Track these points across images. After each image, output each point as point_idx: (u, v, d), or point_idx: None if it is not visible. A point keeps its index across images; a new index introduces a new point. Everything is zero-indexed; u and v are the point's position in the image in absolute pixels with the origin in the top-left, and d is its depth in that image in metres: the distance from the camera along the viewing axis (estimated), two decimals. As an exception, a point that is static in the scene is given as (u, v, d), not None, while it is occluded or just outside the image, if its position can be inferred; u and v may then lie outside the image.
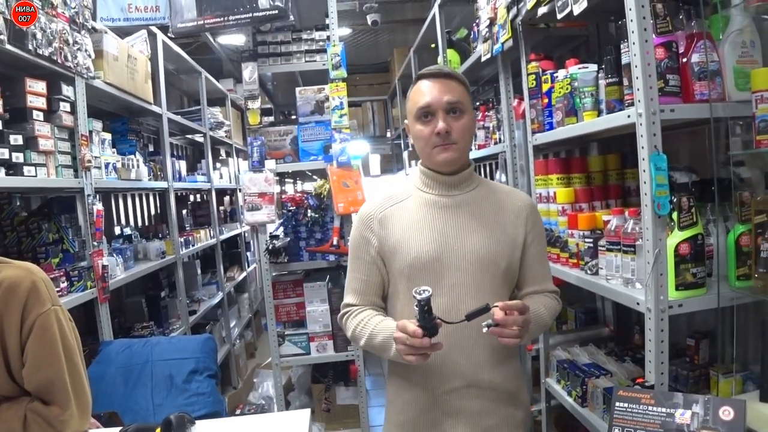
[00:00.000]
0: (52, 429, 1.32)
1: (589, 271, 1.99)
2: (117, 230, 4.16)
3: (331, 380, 3.13)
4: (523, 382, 1.70)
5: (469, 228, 1.55)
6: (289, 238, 2.91)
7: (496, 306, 1.36)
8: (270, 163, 2.95)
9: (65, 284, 2.53)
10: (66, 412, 1.33)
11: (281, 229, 3.01)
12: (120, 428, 1.37)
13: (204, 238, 5.02)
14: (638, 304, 1.63)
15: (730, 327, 1.78)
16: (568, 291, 3.14)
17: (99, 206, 2.85)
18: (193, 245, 4.63)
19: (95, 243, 2.79)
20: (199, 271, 5.12)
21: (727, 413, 1.32)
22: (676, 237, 1.58)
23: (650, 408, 1.41)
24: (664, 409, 1.39)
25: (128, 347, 2.37)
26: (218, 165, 6.20)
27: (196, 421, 1.39)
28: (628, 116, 1.63)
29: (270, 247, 2.85)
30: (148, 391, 2.18)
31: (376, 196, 1.66)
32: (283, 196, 3.02)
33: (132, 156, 3.51)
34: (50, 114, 2.56)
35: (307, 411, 1.38)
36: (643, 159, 1.55)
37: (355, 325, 1.57)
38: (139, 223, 4.81)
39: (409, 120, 1.58)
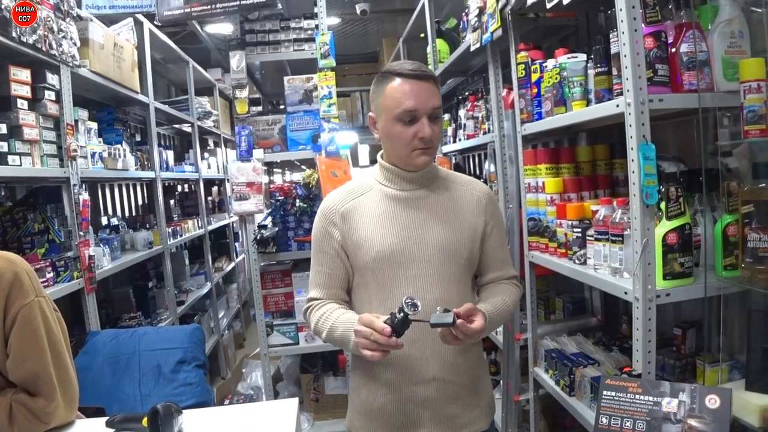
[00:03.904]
0: (38, 420, 1.30)
1: (577, 261, 2.00)
2: (104, 221, 4.12)
3: (319, 370, 3.13)
4: (486, 368, 1.74)
5: (430, 220, 1.56)
6: (277, 228, 2.90)
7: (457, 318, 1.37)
8: (258, 153, 2.93)
9: (51, 274, 2.50)
10: (51, 403, 1.31)
11: (269, 219, 2.99)
12: (106, 418, 1.36)
13: (192, 229, 4.99)
14: (626, 293, 1.64)
15: (716, 316, 1.80)
16: (556, 281, 3.17)
17: (85, 196, 2.81)
18: (181, 235, 4.61)
19: (81, 233, 2.76)
20: (187, 262, 5.10)
21: (713, 401, 1.33)
22: (664, 226, 1.59)
23: (637, 396, 1.41)
24: (651, 398, 1.39)
25: (115, 337, 2.36)
26: (206, 155, 6.16)
27: (184, 411, 1.38)
28: (617, 106, 1.62)
29: (258, 237, 2.83)
30: (136, 381, 2.17)
31: (336, 191, 1.66)
32: (271, 186, 2.99)
33: (119, 145, 3.48)
34: (35, 103, 2.52)
35: (295, 400, 1.38)
36: (632, 148, 1.56)
37: (317, 318, 1.58)
38: (127, 214, 4.77)
39: (383, 116, 1.54)
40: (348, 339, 1.46)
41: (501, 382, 3.07)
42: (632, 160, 1.56)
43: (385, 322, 1.34)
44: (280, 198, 2.92)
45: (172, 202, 5.19)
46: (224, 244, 6.53)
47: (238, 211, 2.90)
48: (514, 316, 2.76)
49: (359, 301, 1.61)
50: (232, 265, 6.27)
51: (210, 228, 5.56)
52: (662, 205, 1.60)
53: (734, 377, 1.83)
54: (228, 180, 5.56)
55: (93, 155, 3.07)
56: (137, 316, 3.66)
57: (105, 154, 3.21)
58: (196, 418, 1.37)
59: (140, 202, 5.11)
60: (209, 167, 5.93)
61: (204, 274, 5.25)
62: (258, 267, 2.96)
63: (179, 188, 6.00)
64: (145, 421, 1.25)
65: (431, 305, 1.45)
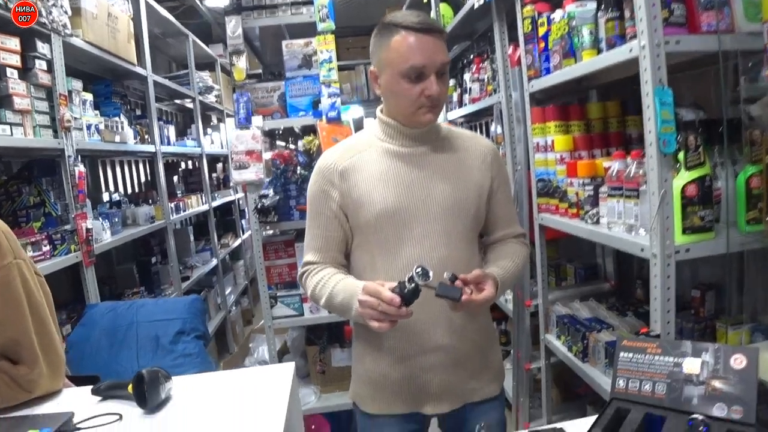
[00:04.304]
0: (21, 389, 1.23)
1: (589, 220, 1.90)
2: (105, 197, 4.06)
3: (325, 342, 3.06)
4: (495, 334, 1.68)
5: (435, 177, 1.48)
6: (278, 197, 2.81)
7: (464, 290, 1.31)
8: (257, 120, 2.83)
9: (48, 248, 2.44)
10: (34, 371, 1.24)
11: (270, 187, 2.90)
12: (92, 386, 1.29)
13: (195, 204, 4.93)
14: (642, 250, 1.54)
15: (738, 275, 1.71)
16: (567, 247, 3.07)
17: (81, 168, 2.74)
18: (184, 211, 4.55)
19: (78, 205, 2.70)
20: (192, 238, 5.04)
21: (739, 361, 1.23)
22: (682, 178, 1.49)
23: (657, 357, 1.32)
24: (671, 359, 1.31)
25: (113, 309, 2.30)
26: (209, 131, 6.07)
27: (178, 377, 1.31)
28: (630, 50, 1.52)
29: (259, 206, 2.75)
30: (133, 353, 2.11)
31: (333, 148, 1.56)
32: (272, 153, 2.90)
33: (116, 118, 3.39)
34: (25, 72, 2.45)
35: (291, 364, 1.30)
36: (647, 94, 1.45)
37: (315, 284, 1.50)
38: (129, 190, 4.71)
39: (386, 71, 1.44)
40: (349, 306, 1.38)
41: (511, 351, 3.00)
42: (648, 107, 1.45)
43: (392, 291, 1.26)
44: (280, 166, 2.83)
45: (175, 178, 5.12)
46: (230, 220, 6.48)
47: (238, 180, 2.81)
48: (523, 282, 2.68)
49: (360, 264, 1.53)
50: (239, 241, 6.22)
51: (214, 204, 5.50)
52: (680, 155, 1.49)
53: (757, 339, 1.75)
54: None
55: (89, 127, 2.99)
56: (140, 291, 3.61)
57: (102, 127, 3.13)
58: (187, 384, 1.30)
59: (143, 180, 5.04)
60: (212, 143, 5.85)
61: (209, 250, 5.20)
62: (260, 237, 2.88)
63: (183, 165, 5.93)
64: (130, 387, 1.18)
65: (437, 265, 1.38)
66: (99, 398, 1.27)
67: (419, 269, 1.24)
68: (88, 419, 1.15)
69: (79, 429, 1.13)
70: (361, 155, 1.50)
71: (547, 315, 2.50)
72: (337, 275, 1.47)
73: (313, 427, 3.18)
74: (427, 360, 1.48)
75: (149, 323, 2.19)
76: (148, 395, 1.15)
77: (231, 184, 5.27)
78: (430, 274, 1.25)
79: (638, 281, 2.49)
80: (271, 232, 3.11)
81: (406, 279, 1.26)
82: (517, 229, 1.63)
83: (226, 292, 5.36)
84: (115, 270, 3.92)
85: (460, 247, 1.48)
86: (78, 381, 1.51)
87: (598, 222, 1.85)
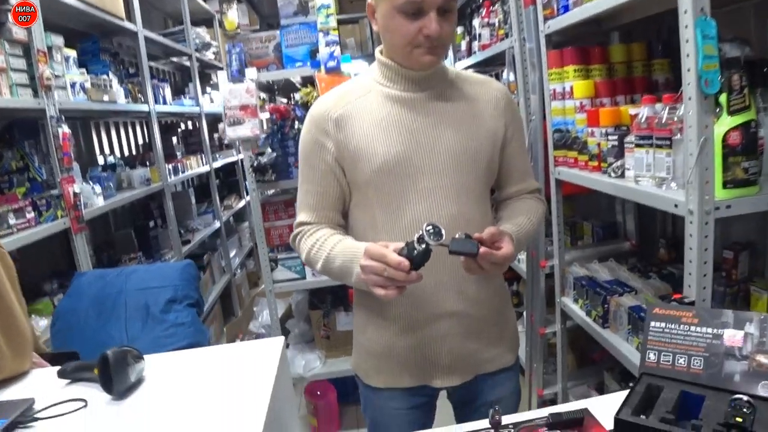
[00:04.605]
0: None
1: (613, 174, 1.72)
2: (100, 160, 3.91)
3: (329, 306, 2.94)
4: (509, 299, 1.54)
5: (442, 124, 1.31)
6: (275, 154, 2.65)
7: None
8: (251, 72, 2.64)
9: (32, 215, 2.31)
10: None
11: (267, 144, 2.73)
12: (59, 367, 1.15)
13: (195, 166, 4.78)
14: (676, 206, 1.37)
15: None
16: (584, 204, 2.90)
17: (65, 128, 2.58)
18: (183, 172, 4.41)
19: (64, 169, 2.55)
20: (193, 201, 4.90)
21: (789, 333, 1.08)
22: (724, 124, 1.30)
23: (693, 328, 1.17)
24: (709, 330, 1.15)
25: (101, 278, 2.16)
26: (208, 89, 5.87)
27: (156, 356, 1.17)
28: (667, -25, 1.31)
29: (255, 164, 2.59)
30: (122, 324, 1.98)
31: (327, 94, 1.39)
32: (268, 107, 2.71)
33: (104, 76, 3.20)
34: (-1, 27, 2.27)
35: (280, 339, 1.16)
36: (686, 26, 1.25)
37: (310, 247, 1.34)
38: (126, 153, 4.55)
39: (383, 4, 1.25)
40: (349, 272, 1.23)
41: (524, 314, 2.86)
42: (686, 41, 1.26)
43: (399, 253, 1.10)
44: (277, 121, 2.65)
45: (174, 139, 4.95)
46: (234, 181, 6.33)
47: (233, 137, 2.64)
48: (538, 241, 2.52)
49: (360, 224, 1.37)
50: (243, 203, 6.08)
51: (216, 165, 5.34)
52: (722, 98, 1.30)
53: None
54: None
55: (73, 86, 2.82)
56: (137, 256, 3.49)
57: (88, 85, 2.95)
58: (163, 363, 1.16)
59: (141, 142, 4.87)
60: (212, 102, 5.65)
61: (212, 212, 5.07)
62: (258, 197, 2.73)
63: (182, 126, 5.75)
64: (96, 370, 1.04)
65: (446, 223, 1.23)
66: (67, 381, 1.13)
67: (430, 227, 1.09)
68: (51, 407, 1.02)
69: (39, 419, 1.00)
70: (358, 101, 1.33)
71: (563, 277, 2.34)
72: (334, 236, 1.32)
73: (318, 393, 3.09)
74: (436, 329, 1.34)
75: (139, 291, 2.05)
76: (114, 379, 1.01)
77: (225, 142, 5.08)
78: (443, 232, 1.09)
79: (662, 240, 2.31)
80: (271, 192, 2.96)
81: (415, 239, 1.10)
82: (532, 184, 1.47)
83: (231, 255, 5.25)
84: (113, 236, 3.81)
85: (471, 203, 1.32)
86: (58, 359, 1.37)
87: (623, 175, 1.67)
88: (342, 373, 2.89)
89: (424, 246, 1.08)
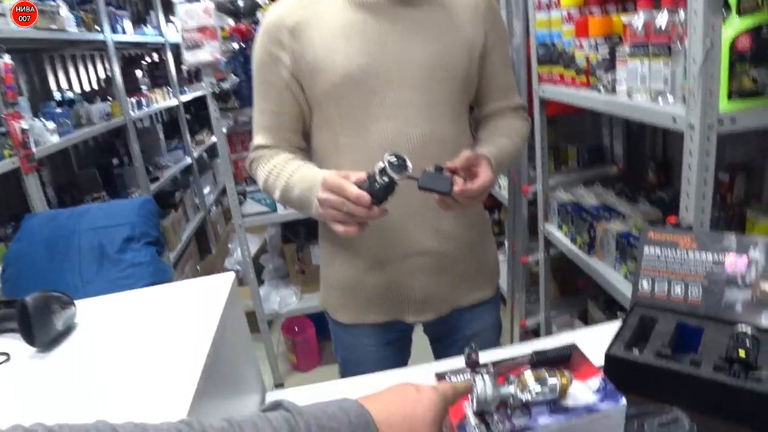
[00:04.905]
0: None
1: (603, 89, 1.57)
2: (57, 96, 3.66)
3: (303, 239, 2.81)
4: (489, 228, 1.41)
5: (413, 32, 1.14)
6: (238, 79, 2.45)
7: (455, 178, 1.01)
8: (208, -11, 2.40)
9: (-26, 156, 2.13)
10: None
11: (229, 69, 2.52)
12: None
13: (161, 100, 4.53)
14: (675, 121, 1.23)
15: None
16: (568, 126, 2.76)
17: (6, 59, 2.35)
18: (148, 107, 4.17)
19: (8, 104, 2.34)
20: (162, 136, 4.67)
21: (797, 258, 0.97)
22: (732, 26, 1.14)
23: (691, 254, 1.06)
24: (710, 255, 1.04)
25: (53, 219, 2.00)
26: (173, 18, 5.52)
27: (88, 300, 1.04)
28: None
29: (216, 91, 2.39)
30: (76, 266, 1.84)
31: (281, 1, 1.20)
32: (227, 28, 2.49)
33: (51, 2, 2.92)
34: None
35: (231, 274, 1.05)
36: None
37: (267, 174, 1.20)
38: (87, 89, 4.28)
39: None
40: (308, 202, 1.09)
41: (506, 242, 2.77)
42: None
43: (360, 186, 0.96)
44: (239, 42, 2.44)
45: (139, 73, 4.67)
46: (205, 116, 6.03)
47: (192, 62, 2.43)
48: (520, 166, 2.39)
49: (322, 147, 1.23)
50: (215, 137, 5.84)
51: (184, 99, 5.09)
52: (730, -3, 1.14)
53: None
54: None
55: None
56: (102, 196, 3.32)
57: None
58: (97, 307, 1.04)
59: (102, 76, 4.59)
60: (178, 31, 5.31)
61: (182, 148, 4.86)
62: (222, 127, 2.55)
63: (147, 59, 5.44)
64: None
65: (417, 144, 1.11)
66: (-11, 334, 1.00)
67: (393, 158, 0.94)
68: (-32, 362, 0.89)
69: (-45, 376, 0.87)
70: (317, 6, 1.15)
71: (546, 203, 2.23)
72: (292, 162, 1.18)
73: (296, 329, 3.02)
74: (409, 265, 1.22)
75: (93, 231, 1.90)
76: (36, 329, 0.89)
77: (184, 67, 4.80)
78: (408, 164, 0.94)
79: (651, 163, 2.20)
80: (238, 120, 2.78)
81: (377, 170, 0.95)
82: (515, 100, 1.32)
83: (205, 192, 5.08)
84: (76, 176, 3.62)
85: (446, 121, 1.17)
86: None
87: (614, 90, 1.52)
88: (319, 308, 2.80)
89: (386, 179, 0.94)
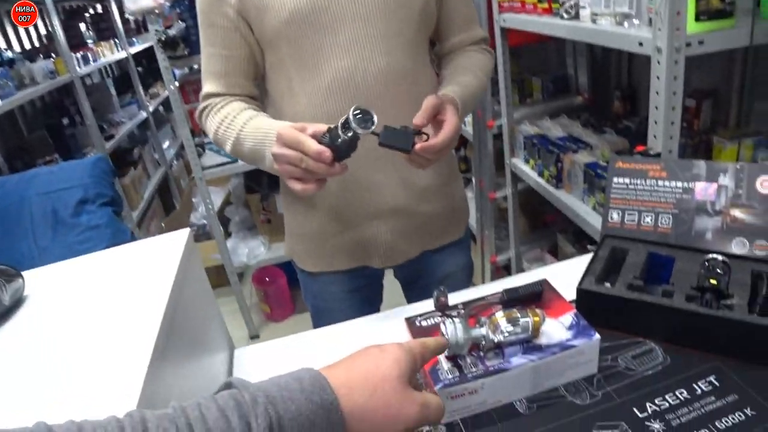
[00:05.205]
0: None
1: (566, 15, 1.51)
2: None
3: (266, 188, 2.74)
4: (455, 165, 1.36)
5: None
6: (185, 24, 2.32)
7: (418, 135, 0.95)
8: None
9: None
10: None
11: (174, 13, 2.38)
12: None
13: (109, 53, 4.31)
14: (641, 44, 1.19)
15: (740, 79, 1.39)
16: (532, 57, 2.70)
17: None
18: (95, 61, 3.97)
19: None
20: (113, 92, 4.47)
21: (767, 184, 0.95)
22: (697, -60, 1.09)
23: (660, 182, 1.03)
24: (679, 183, 1.02)
25: (0, 187, 1.90)
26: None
27: (37, 270, 0.99)
28: None
29: (163, 39, 2.26)
30: (29, 234, 1.76)
31: None
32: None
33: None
34: None
35: (185, 231, 1.00)
36: None
37: (217, 125, 1.12)
38: (27, 47, 4.04)
39: None
40: (261, 156, 1.03)
41: (473, 179, 2.74)
42: None
43: (321, 141, 0.89)
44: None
45: (82, 25, 4.42)
46: (158, 67, 5.80)
47: (134, 9, 2.29)
48: (484, 100, 2.34)
49: (276, 90, 1.15)
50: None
51: (133, 50, 4.86)
52: None
53: (761, 156, 1.50)
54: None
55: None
56: (54, 158, 3.17)
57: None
58: (52, 275, 0.98)
59: (43, 32, 4.34)
60: (122, -25, 5.03)
61: (136, 102, 4.66)
62: (173, 77, 2.43)
63: (91, 10, 5.15)
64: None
65: (375, 80, 1.05)
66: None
67: (358, 112, 0.86)
68: None
69: None
70: None
71: (512, 136, 2.19)
72: (244, 113, 1.10)
73: (267, 279, 2.99)
74: (374, 210, 1.18)
75: (43, 196, 1.81)
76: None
77: (129, 17, 4.57)
78: (374, 117, 0.87)
79: (616, 92, 2.16)
80: (190, 68, 2.66)
81: (340, 125, 0.88)
82: (477, 33, 1.25)
83: (164, 146, 4.93)
84: (26, 139, 3.44)
85: (405, 54, 1.10)
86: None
87: (577, 15, 1.47)
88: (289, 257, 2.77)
89: (351, 134, 0.87)
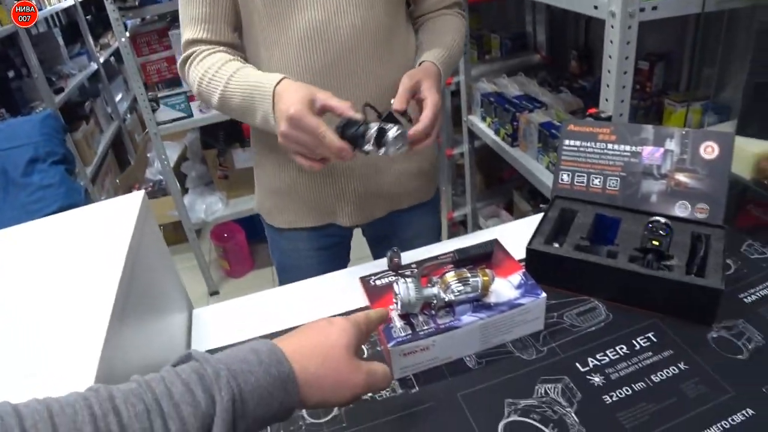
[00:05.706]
0: None
1: (524, -25, 1.52)
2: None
3: (223, 143, 2.70)
4: None
5: None
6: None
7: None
8: None
9: None
10: None
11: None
12: None
13: (55, 0, 4.10)
14: (596, 8, 1.20)
15: (692, 44, 1.42)
16: (491, 14, 2.70)
17: None
18: (41, 9, 3.77)
19: None
20: (61, 42, 4.27)
21: (710, 150, 1.00)
22: None
23: (610, 146, 1.07)
24: (628, 147, 1.05)
25: (-56, 145, 1.83)
26: None
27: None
28: None
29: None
30: (-22, 194, 1.71)
31: None
32: None
33: None
34: None
35: (140, 193, 0.98)
36: None
37: (200, 77, 1.06)
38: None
39: None
40: (251, 112, 0.99)
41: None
42: None
43: (343, 135, 0.90)
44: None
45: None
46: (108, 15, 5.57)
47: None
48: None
49: (250, 42, 1.12)
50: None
51: (79, -5, 4.63)
52: None
53: (708, 119, 1.55)
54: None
55: None
56: (1, 113, 3.04)
57: None
58: (4, 238, 0.96)
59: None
60: None
61: (85, 53, 4.47)
62: (124, 29, 2.35)
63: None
64: None
65: (348, 36, 1.03)
66: None
67: (396, 130, 0.90)
68: None
69: None
70: None
71: (469, 94, 2.20)
72: (231, 63, 1.05)
73: (225, 235, 2.99)
74: (343, 167, 1.18)
75: (-9, 155, 1.76)
76: None
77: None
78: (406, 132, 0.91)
79: (573, 52, 2.19)
80: (143, 19, 2.56)
81: (373, 135, 0.89)
82: None
83: (117, 99, 4.76)
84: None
85: (380, 11, 1.07)
86: None
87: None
88: (247, 212, 2.76)
89: (375, 138, 0.89)
